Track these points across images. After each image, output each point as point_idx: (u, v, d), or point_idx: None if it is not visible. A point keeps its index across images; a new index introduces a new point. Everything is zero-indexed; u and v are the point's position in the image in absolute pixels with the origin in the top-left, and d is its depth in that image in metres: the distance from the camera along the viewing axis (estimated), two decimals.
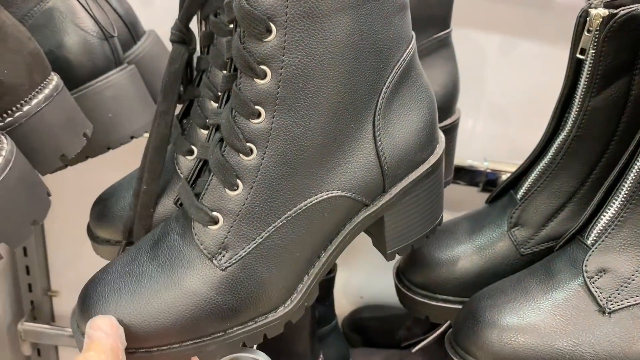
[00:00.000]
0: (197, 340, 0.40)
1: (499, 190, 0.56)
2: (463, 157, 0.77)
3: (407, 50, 0.41)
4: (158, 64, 0.59)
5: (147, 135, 0.53)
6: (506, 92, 0.77)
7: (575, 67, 0.49)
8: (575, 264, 0.44)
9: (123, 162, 0.56)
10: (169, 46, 0.62)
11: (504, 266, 0.52)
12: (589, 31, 0.46)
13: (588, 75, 0.47)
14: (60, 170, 0.48)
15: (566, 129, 0.50)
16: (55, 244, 0.90)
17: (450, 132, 0.61)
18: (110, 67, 0.51)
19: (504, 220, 0.53)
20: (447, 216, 0.55)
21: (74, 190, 0.75)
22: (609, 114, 0.48)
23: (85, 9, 0.50)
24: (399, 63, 0.41)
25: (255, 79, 0.37)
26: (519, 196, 0.53)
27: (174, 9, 0.50)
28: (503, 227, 0.53)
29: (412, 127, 0.42)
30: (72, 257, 0.89)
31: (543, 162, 0.52)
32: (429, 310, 0.54)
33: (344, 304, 0.92)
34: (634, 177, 0.43)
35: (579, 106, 0.49)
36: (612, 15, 0.45)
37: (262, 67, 0.36)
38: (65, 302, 0.93)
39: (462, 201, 0.76)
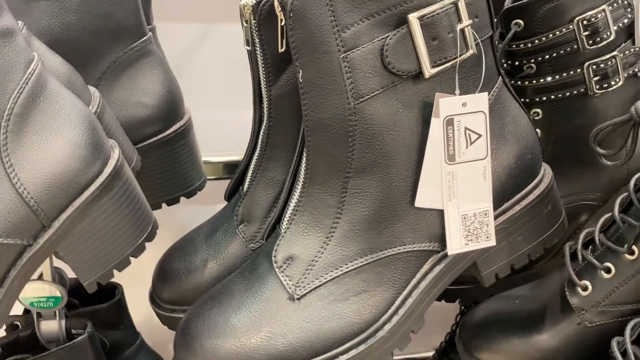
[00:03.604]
0: None
1: (230, 186, 0.55)
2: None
3: (25, 78, 0.39)
4: None
5: None
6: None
7: (252, 59, 0.48)
8: (269, 255, 0.45)
9: None
10: None
11: (239, 265, 0.52)
12: (247, 22, 0.46)
13: (262, 65, 0.47)
14: None
15: (264, 119, 0.50)
16: None
17: (185, 135, 0.60)
18: None
19: (233, 218, 0.53)
20: None
21: None
22: (291, 100, 0.48)
23: None
24: (15, 93, 0.39)
25: None
26: (244, 191, 0.53)
27: None
28: (233, 225, 0.53)
29: (58, 154, 0.41)
30: None
31: (255, 154, 0.52)
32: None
33: None
34: (306, 160, 0.44)
35: (266, 97, 0.49)
36: (258, 4, 0.44)
37: None
38: None
39: None
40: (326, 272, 0.43)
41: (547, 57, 0.59)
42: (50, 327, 0.60)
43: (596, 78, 0.58)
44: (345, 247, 0.43)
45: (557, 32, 0.58)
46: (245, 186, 0.53)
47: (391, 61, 0.40)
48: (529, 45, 0.58)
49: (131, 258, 0.46)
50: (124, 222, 0.44)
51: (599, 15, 0.57)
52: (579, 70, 0.58)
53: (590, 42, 0.57)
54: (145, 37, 0.55)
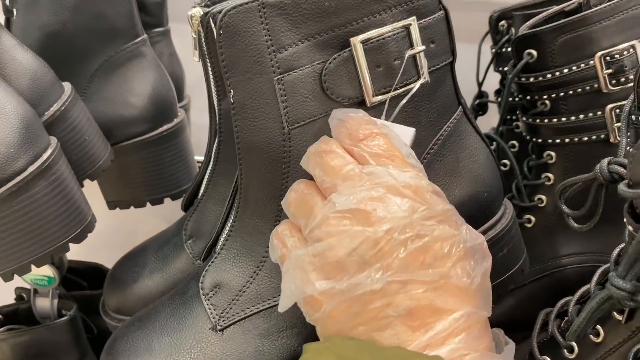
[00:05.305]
0: None
1: (187, 196, 0.52)
2: None
3: None
4: None
5: None
6: None
7: (205, 71, 0.45)
8: (198, 279, 0.42)
9: None
10: None
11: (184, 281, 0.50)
12: (195, 33, 0.44)
13: (213, 78, 0.44)
14: None
15: (218, 134, 0.48)
16: None
17: (172, 138, 0.59)
18: None
19: (182, 232, 0.51)
20: None
21: None
22: None
23: None
24: None
25: None
26: (195, 205, 0.51)
27: None
28: (182, 239, 0.50)
29: None
30: None
31: (208, 169, 0.50)
32: None
33: None
34: (240, 184, 0.41)
35: (217, 110, 0.46)
36: (206, 14, 0.41)
37: None
38: None
39: None
40: (253, 304, 0.40)
41: (562, 94, 0.52)
42: (44, 304, 0.62)
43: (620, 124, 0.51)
44: (275, 278, 0.40)
45: (575, 67, 0.51)
46: (197, 199, 0.51)
47: (330, 86, 0.37)
48: (540, 79, 0.52)
49: None
50: (45, 221, 0.43)
51: (626, 52, 0.50)
52: (599, 112, 0.52)
53: (614, 82, 0.50)
54: (139, 39, 0.56)
